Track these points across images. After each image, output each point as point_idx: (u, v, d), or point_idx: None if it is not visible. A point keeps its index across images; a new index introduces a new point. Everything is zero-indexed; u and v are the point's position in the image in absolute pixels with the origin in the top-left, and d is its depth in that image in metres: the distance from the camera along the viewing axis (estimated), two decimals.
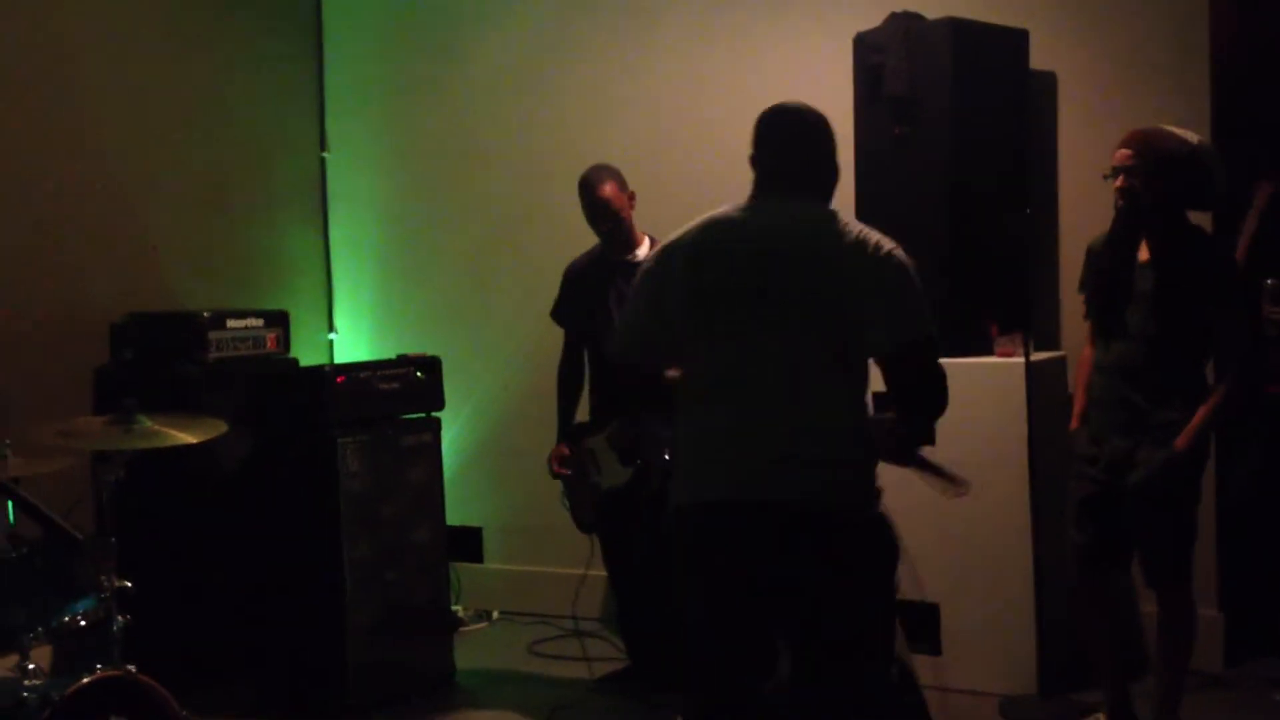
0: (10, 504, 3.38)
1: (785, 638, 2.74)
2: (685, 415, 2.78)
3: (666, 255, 2.82)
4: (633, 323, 2.88)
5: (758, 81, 5.35)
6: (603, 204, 4.45)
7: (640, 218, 4.59)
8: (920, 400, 2.70)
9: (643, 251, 4.47)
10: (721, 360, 2.71)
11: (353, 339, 6.27)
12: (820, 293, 2.67)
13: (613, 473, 4.48)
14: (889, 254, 2.69)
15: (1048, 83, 4.89)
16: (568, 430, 4.70)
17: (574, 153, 5.10)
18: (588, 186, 4.48)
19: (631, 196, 4.51)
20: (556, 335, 4.82)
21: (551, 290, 4.76)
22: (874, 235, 2.71)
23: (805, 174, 2.83)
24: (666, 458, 3.94)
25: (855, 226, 2.73)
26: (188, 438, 3.60)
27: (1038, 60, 4.79)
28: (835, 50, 4.92)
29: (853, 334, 2.66)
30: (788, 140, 2.86)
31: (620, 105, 5.65)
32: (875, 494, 2.74)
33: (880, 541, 2.75)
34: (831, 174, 2.88)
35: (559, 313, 4.76)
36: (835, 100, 4.88)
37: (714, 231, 2.79)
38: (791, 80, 5.31)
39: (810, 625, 2.69)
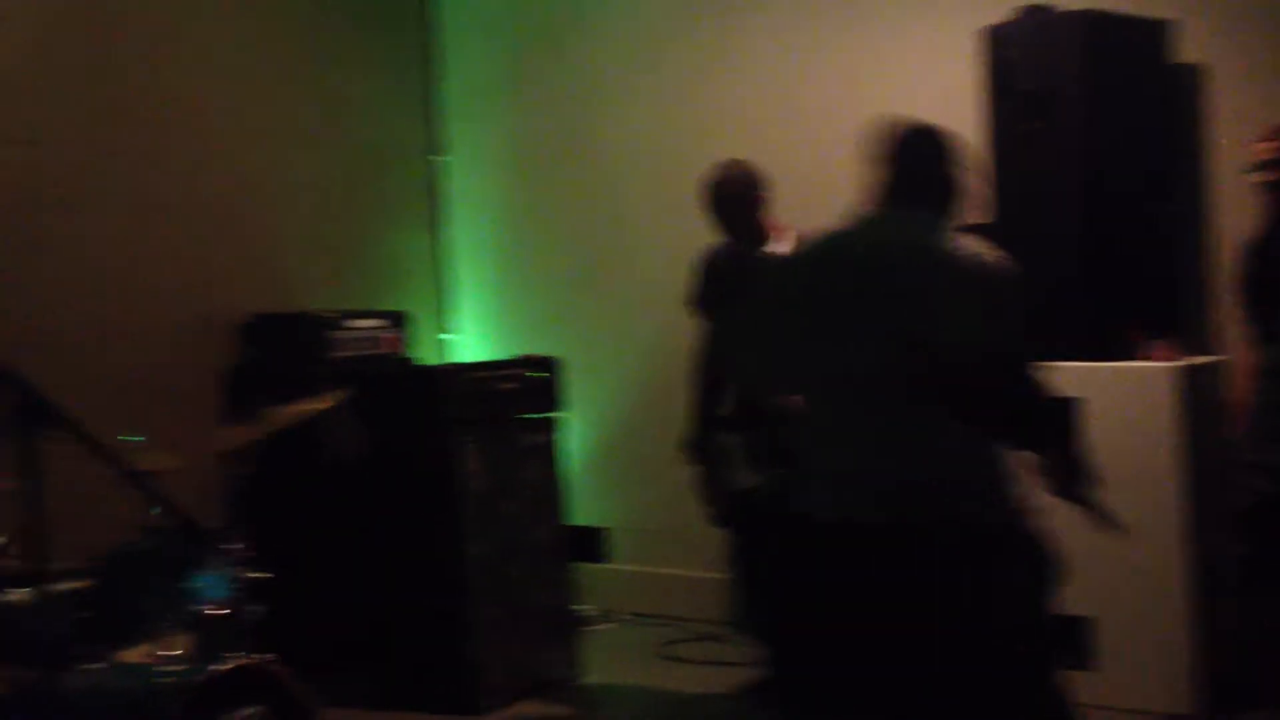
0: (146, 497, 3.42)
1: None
2: (804, 432, 2.84)
3: (779, 275, 2.97)
4: (751, 351, 2.93)
5: (881, 77, 5.28)
6: (720, 200, 4.39)
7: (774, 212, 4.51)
8: (996, 419, 2.65)
9: (777, 245, 4.38)
10: (827, 376, 2.74)
11: (472, 339, 6.30)
12: (922, 307, 2.65)
13: (745, 473, 4.39)
14: (992, 268, 2.67)
15: (1196, 75, 4.73)
16: (705, 420, 4.59)
17: (693, 151, 5.07)
18: (709, 184, 4.44)
19: (760, 190, 4.43)
20: (678, 333, 4.75)
21: (672, 288, 4.69)
22: (981, 250, 2.70)
23: (918, 187, 2.84)
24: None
25: (963, 240, 2.72)
26: (313, 407, 3.66)
27: (1185, 52, 4.63)
28: (962, 44, 4.83)
29: (952, 348, 2.61)
30: (899, 155, 2.86)
31: (739, 103, 5.60)
32: (1004, 508, 2.67)
33: (1013, 559, 2.68)
34: (948, 188, 2.86)
35: (694, 300, 4.63)
36: (960, 95, 4.84)
37: (822, 249, 2.85)
38: (915, 75, 5.24)
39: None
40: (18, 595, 2.96)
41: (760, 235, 4.43)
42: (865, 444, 2.67)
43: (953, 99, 5.01)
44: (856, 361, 2.67)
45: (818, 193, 4.37)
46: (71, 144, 4.73)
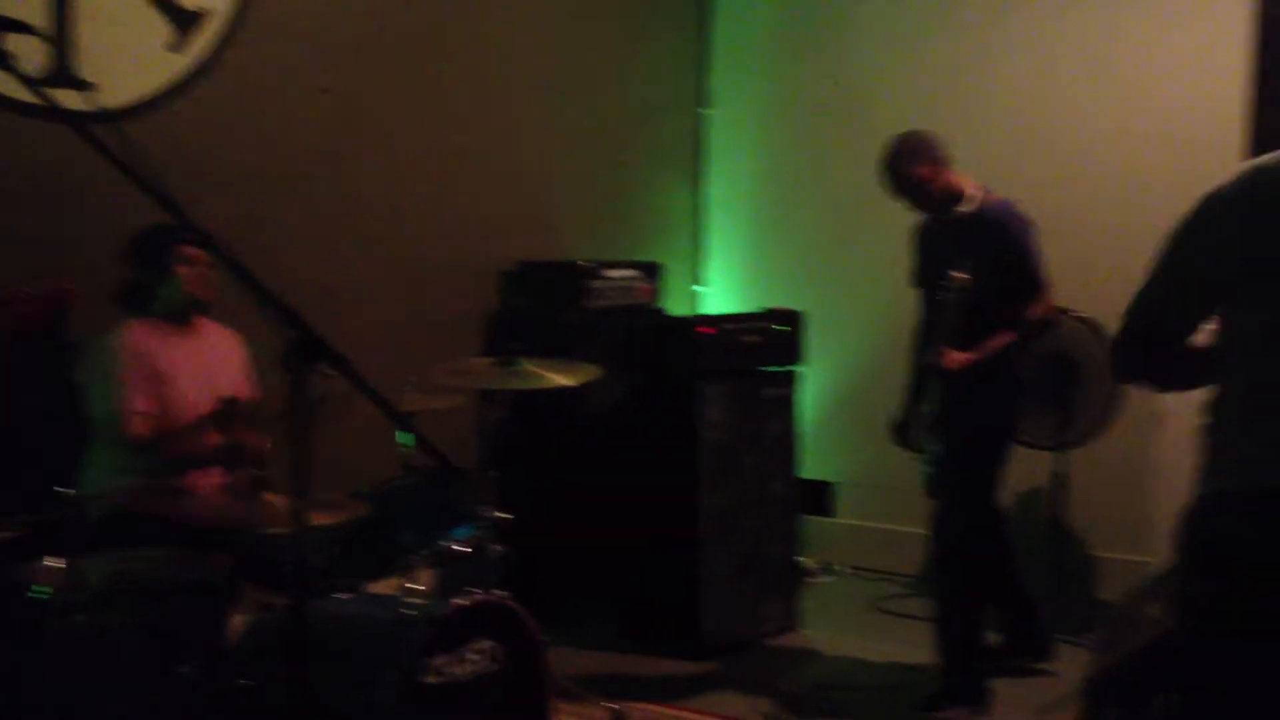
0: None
1: None
2: (1230, 388, 2.37)
3: (1203, 209, 2.37)
4: (1159, 287, 2.40)
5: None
6: (889, 175, 4.29)
7: (1040, 170, 4.33)
8: None
9: (969, 201, 4.24)
10: None
11: (722, 291, 6.43)
12: None
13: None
14: None
15: None
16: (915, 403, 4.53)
17: (959, 116, 5.01)
18: (879, 165, 4.33)
19: (934, 162, 4.24)
20: (914, 298, 4.74)
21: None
22: None
23: None
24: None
25: None
26: (564, 380, 3.80)
27: None
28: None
29: None
30: None
31: (1006, 67, 5.48)
32: None
33: None
34: None
35: (911, 275, 4.57)
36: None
37: (1267, 179, 2.31)
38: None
39: None
40: (281, 528, 3.18)
41: (942, 201, 4.29)
42: None
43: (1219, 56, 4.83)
44: None
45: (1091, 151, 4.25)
46: (358, 95, 4.88)
